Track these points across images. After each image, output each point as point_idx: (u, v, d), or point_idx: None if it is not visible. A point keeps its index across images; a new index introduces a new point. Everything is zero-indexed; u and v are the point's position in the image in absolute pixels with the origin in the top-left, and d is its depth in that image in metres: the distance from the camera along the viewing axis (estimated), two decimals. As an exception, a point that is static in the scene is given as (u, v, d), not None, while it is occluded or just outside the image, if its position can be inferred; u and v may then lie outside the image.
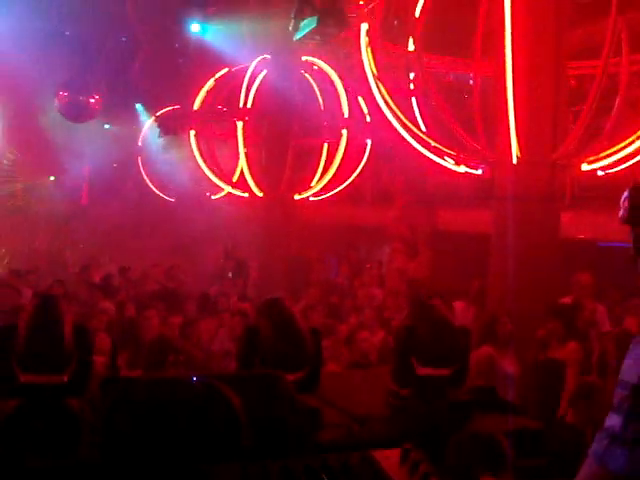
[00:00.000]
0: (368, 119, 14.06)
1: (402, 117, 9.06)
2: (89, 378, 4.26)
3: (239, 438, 3.24)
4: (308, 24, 7.94)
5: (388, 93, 9.15)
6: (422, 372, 4.74)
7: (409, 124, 9.08)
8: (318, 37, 8.30)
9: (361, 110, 14.33)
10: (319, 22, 7.79)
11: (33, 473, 3.73)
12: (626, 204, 1.94)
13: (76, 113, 17.63)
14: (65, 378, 4.35)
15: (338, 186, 15.30)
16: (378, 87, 9.11)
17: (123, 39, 17.26)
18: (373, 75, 9.14)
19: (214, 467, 2.63)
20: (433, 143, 9.08)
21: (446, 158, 9.29)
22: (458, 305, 8.86)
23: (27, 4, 15.33)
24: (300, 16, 8.11)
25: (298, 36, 8.31)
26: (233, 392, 3.48)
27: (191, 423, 3.19)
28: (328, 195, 15.42)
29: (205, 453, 3.06)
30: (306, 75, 14.90)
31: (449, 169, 9.43)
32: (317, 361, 4.58)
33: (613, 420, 1.64)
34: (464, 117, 10.01)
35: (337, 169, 15.10)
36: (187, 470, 2.84)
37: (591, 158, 8.61)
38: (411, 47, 9.28)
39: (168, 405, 3.36)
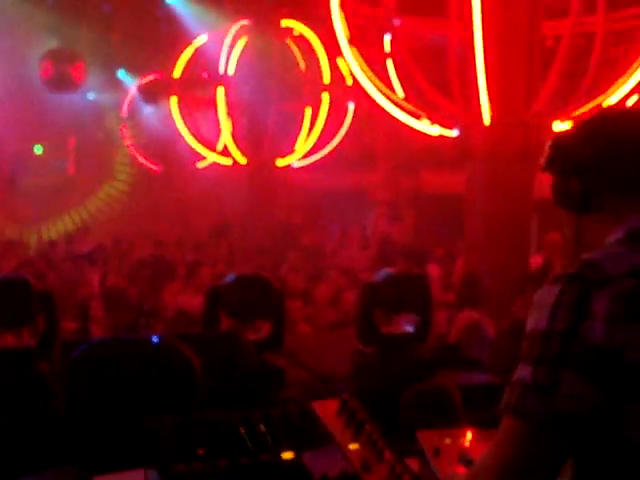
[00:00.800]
0: (349, 82, 14.06)
1: (376, 81, 9.08)
2: (56, 342, 4.36)
3: (196, 396, 3.35)
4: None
5: (362, 56, 9.16)
6: (385, 330, 4.83)
7: (383, 87, 9.11)
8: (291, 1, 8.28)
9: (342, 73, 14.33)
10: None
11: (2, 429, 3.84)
12: (547, 151, 1.93)
13: (59, 84, 17.57)
14: (33, 342, 4.45)
15: (321, 150, 15.35)
16: (351, 51, 9.13)
17: (104, 8, 17.15)
18: (346, 38, 9.15)
19: (161, 418, 2.72)
20: (407, 105, 9.12)
21: (422, 119, 9.33)
22: (432, 268, 8.98)
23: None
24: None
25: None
26: (193, 351, 3.58)
27: (148, 381, 3.30)
28: (311, 160, 15.47)
29: (161, 410, 3.15)
30: (287, 40, 14.88)
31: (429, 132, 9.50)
32: (280, 316, 4.66)
33: (523, 370, 1.65)
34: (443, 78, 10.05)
35: (320, 133, 15.14)
36: (138, 426, 2.93)
37: (564, 117, 8.66)
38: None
39: (127, 364, 3.46)
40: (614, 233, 1.77)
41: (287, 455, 2.49)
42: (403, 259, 8.71)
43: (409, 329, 4.91)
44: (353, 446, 2.49)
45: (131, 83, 18.21)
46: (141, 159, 18.96)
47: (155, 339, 3.76)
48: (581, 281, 1.63)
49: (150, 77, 17.07)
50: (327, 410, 2.71)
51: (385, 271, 4.91)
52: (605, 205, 1.81)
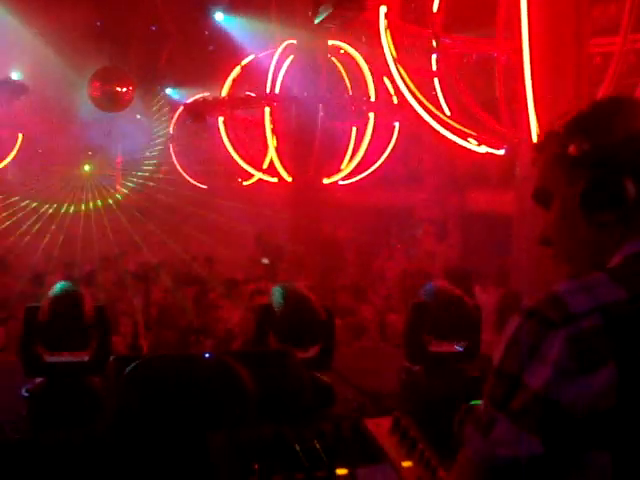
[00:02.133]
0: (395, 101, 14.09)
1: (423, 99, 9.10)
2: (108, 357, 4.42)
3: (248, 412, 3.37)
4: (326, 9, 8.02)
5: (409, 75, 9.19)
6: (434, 348, 4.82)
7: (430, 106, 9.12)
8: (337, 21, 8.36)
9: (388, 92, 14.36)
10: (337, 6, 7.86)
11: (55, 447, 3.91)
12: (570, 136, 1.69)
13: (109, 103, 17.90)
14: (86, 357, 4.52)
15: (367, 169, 15.37)
16: (398, 70, 9.16)
17: (152, 28, 17.45)
18: (393, 58, 9.19)
19: (215, 434, 2.75)
20: (454, 124, 9.11)
21: (469, 139, 9.32)
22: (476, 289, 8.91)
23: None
24: (318, 0, 8.19)
25: (317, 20, 8.39)
26: (244, 368, 3.61)
27: (201, 398, 3.33)
28: (357, 179, 15.50)
29: (213, 426, 3.18)
30: (333, 59, 14.97)
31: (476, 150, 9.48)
32: (329, 338, 4.68)
33: (481, 404, 1.58)
34: (491, 97, 10.03)
35: (366, 152, 15.17)
36: (192, 442, 2.96)
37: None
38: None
39: (179, 381, 3.50)
40: (617, 255, 1.60)
41: (341, 471, 2.49)
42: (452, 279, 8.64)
43: (458, 348, 4.89)
44: (406, 463, 2.50)
45: (179, 101, 18.48)
46: (187, 177, 19.18)
47: (207, 356, 3.80)
48: (539, 319, 1.49)
49: (198, 96, 17.30)
50: (380, 427, 2.72)
51: (435, 291, 4.90)
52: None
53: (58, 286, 4.69)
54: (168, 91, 18.75)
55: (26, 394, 4.43)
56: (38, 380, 4.54)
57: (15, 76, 15.83)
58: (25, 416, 4.25)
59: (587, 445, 1.46)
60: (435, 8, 9.24)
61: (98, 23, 17.62)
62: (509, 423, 1.47)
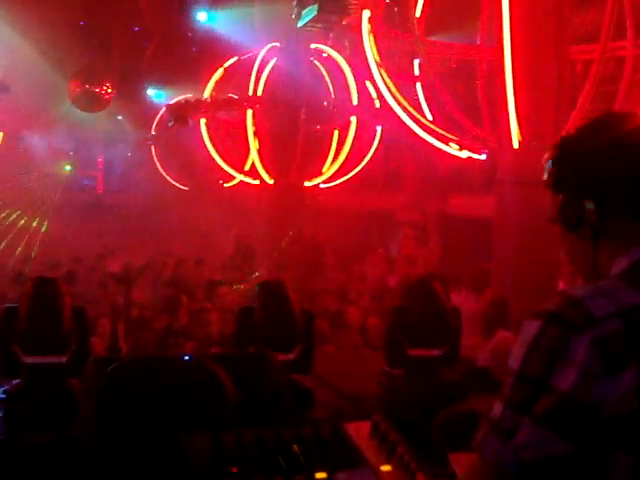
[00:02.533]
0: (377, 105, 14.11)
1: (405, 104, 9.13)
2: (86, 359, 4.39)
3: (227, 414, 3.36)
4: (309, 12, 8.02)
5: (392, 80, 9.22)
6: (413, 352, 4.83)
7: (412, 110, 9.15)
8: (320, 25, 8.37)
9: (371, 96, 14.39)
10: (320, 10, 7.86)
11: (32, 449, 3.88)
12: (549, 166, 1.78)
13: (88, 103, 17.82)
14: (65, 359, 4.50)
15: (348, 172, 15.39)
16: (381, 74, 9.19)
17: (135, 29, 17.40)
18: (376, 62, 9.21)
19: (194, 436, 2.74)
20: (436, 129, 9.14)
21: (450, 144, 9.35)
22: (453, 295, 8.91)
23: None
24: (302, 4, 8.18)
25: (300, 24, 8.39)
26: (224, 371, 3.60)
27: (180, 401, 3.32)
28: (338, 182, 15.52)
29: (192, 428, 3.16)
30: (315, 62, 14.98)
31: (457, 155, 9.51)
32: (309, 341, 4.68)
33: (495, 408, 1.60)
34: (472, 102, 10.07)
35: (347, 155, 15.19)
36: (171, 444, 2.95)
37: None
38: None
39: (158, 383, 3.48)
40: (619, 263, 1.66)
41: (320, 475, 2.49)
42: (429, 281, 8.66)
43: (437, 352, 4.91)
44: (385, 468, 2.50)
45: (161, 103, 18.42)
46: (169, 178, 19.12)
47: (186, 358, 3.79)
48: (561, 323, 1.53)
49: (180, 97, 17.25)
50: (360, 431, 2.72)
51: (413, 295, 4.92)
52: (616, 231, 1.70)
53: (36, 284, 4.65)
54: (150, 92, 18.68)
55: (3, 395, 4.40)
56: (16, 381, 4.52)
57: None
58: (2, 417, 4.22)
59: (613, 447, 1.50)
60: (418, 13, 9.27)
61: (81, 23, 17.55)
62: (535, 426, 1.51)
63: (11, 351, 4.43)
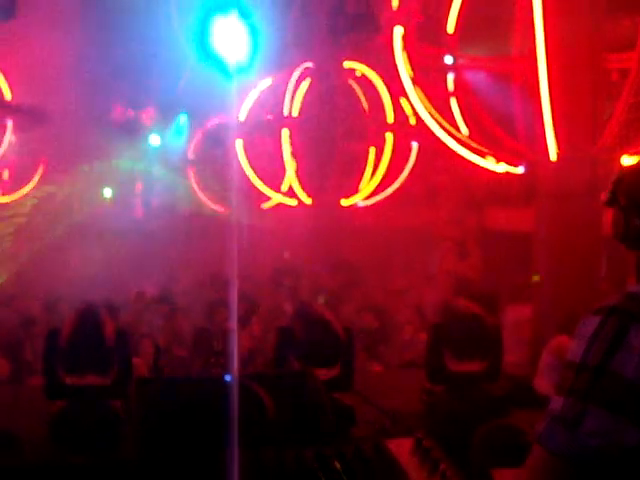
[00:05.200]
0: (412, 121, 14.12)
1: (440, 119, 9.11)
2: (130, 380, 4.44)
3: (268, 433, 3.37)
4: (342, 31, 8.04)
5: (426, 95, 9.21)
6: (454, 368, 4.81)
7: (447, 125, 9.13)
8: (353, 43, 8.39)
9: (406, 113, 14.40)
10: (353, 28, 7.88)
11: (76, 470, 3.92)
12: (610, 186, 1.91)
13: (129, 128, 18.10)
14: (108, 380, 4.55)
15: (385, 190, 15.40)
16: (415, 90, 9.19)
17: (172, 55, 17.59)
18: (410, 79, 9.22)
19: (236, 455, 2.75)
20: (472, 144, 9.11)
21: (487, 158, 9.31)
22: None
23: (82, 26, 15.81)
24: (334, 23, 8.22)
25: (334, 43, 8.43)
26: (264, 390, 3.61)
27: (222, 421, 3.33)
28: (375, 199, 15.52)
29: (233, 449, 3.17)
30: (350, 81, 15.05)
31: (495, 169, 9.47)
32: (349, 359, 4.68)
33: (555, 401, 1.64)
34: (507, 116, 10.02)
35: (384, 173, 15.20)
36: (214, 463, 2.96)
37: (633, 151, 8.54)
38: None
39: (200, 404, 3.50)
40: None
41: (362, 493, 2.49)
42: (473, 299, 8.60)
43: (478, 368, 4.87)
44: (428, 484, 2.48)
45: (196, 126, 18.61)
46: (207, 201, 19.27)
47: (227, 378, 3.81)
48: (620, 314, 1.61)
49: (216, 120, 17.42)
50: (401, 448, 2.72)
51: (455, 311, 4.90)
52: None
53: (79, 307, 4.72)
54: (185, 116, 18.87)
55: (48, 417, 4.46)
56: (60, 403, 4.58)
57: (34, 103, 15.98)
58: (47, 439, 4.28)
59: None
60: (450, 28, 9.27)
61: (120, 51, 17.81)
62: (601, 413, 1.56)
63: (55, 373, 4.50)
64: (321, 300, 11.75)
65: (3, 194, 16.72)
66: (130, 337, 4.72)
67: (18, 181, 16.92)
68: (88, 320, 4.59)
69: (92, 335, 4.48)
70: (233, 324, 7.68)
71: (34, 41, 14.56)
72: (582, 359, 1.61)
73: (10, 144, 15.32)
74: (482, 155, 9.37)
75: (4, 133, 15.10)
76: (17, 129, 15.54)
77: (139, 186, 21.26)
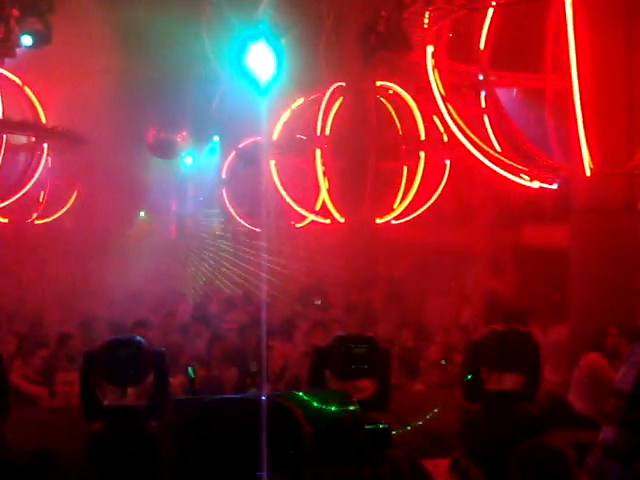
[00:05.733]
0: (445, 139, 14.09)
1: (473, 136, 9.09)
2: (166, 401, 4.46)
3: (304, 453, 3.36)
4: (373, 50, 8.06)
5: (458, 113, 9.19)
6: (491, 387, 4.77)
7: (480, 143, 9.10)
8: (385, 62, 8.40)
9: (438, 130, 14.38)
10: (384, 47, 7.90)
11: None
12: None
13: (165, 150, 18.29)
14: (144, 402, 4.57)
15: (419, 208, 15.35)
16: (447, 108, 9.18)
17: (205, 78, 17.76)
18: (442, 96, 9.21)
19: (272, 476, 2.76)
20: (506, 160, 9.06)
21: (521, 175, 9.26)
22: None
23: (116, 51, 16.02)
24: (366, 42, 8.25)
25: (366, 62, 8.46)
26: (300, 410, 3.61)
27: (259, 441, 3.33)
28: (409, 217, 15.48)
29: (270, 467, 3.17)
30: (382, 99, 15.07)
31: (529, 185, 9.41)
32: (385, 379, 4.67)
33: (606, 432, 1.59)
34: (540, 132, 9.96)
35: (417, 190, 15.17)
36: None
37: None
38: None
39: (235, 422, 3.51)
40: None
41: (399, 513, 2.47)
42: (508, 316, 8.52)
43: (516, 386, 4.83)
44: (466, 504, 2.46)
45: (230, 147, 18.73)
46: (241, 220, 19.38)
47: (263, 397, 3.81)
48: None
49: (249, 140, 17.54)
50: (438, 468, 2.70)
51: (491, 328, 4.86)
52: None
53: (115, 329, 4.77)
54: (217, 137, 19.02)
55: (86, 438, 4.50)
56: (98, 424, 4.61)
57: (70, 127, 16.19)
58: (85, 459, 4.31)
59: None
60: (482, 45, 9.25)
61: (154, 75, 18.01)
62: None
63: (92, 395, 4.54)
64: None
65: (40, 216, 16.91)
66: (166, 357, 4.74)
67: (54, 203, 17.11)
68: (125, 341, 4.63)
69: (129, 356, 4.51)
70: (263, 345, 7.72)
71: (69, 66, 14.77)
72: (633, 390, 1.55)
73: (46, 166, 15.51)
74: (516, 172, 9.32)
75: (41, 156, 15.29)
76: (53, 152, 15.74)
77: (174, 206, 21.45)
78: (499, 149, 9.53)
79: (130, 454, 4.29)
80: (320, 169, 15.11)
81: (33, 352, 8.56)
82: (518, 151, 9.35)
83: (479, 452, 3.03)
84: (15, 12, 9.96)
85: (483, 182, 14.39)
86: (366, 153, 14.99)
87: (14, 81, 14.37)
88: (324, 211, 15.65)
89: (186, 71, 17.45)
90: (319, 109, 15.24)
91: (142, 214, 21.42)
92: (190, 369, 5.79)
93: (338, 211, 15.26)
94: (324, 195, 15.27)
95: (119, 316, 10.47)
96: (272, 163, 16.40)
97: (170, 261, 20.21)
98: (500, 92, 9.63)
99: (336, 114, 15.14)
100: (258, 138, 17.21)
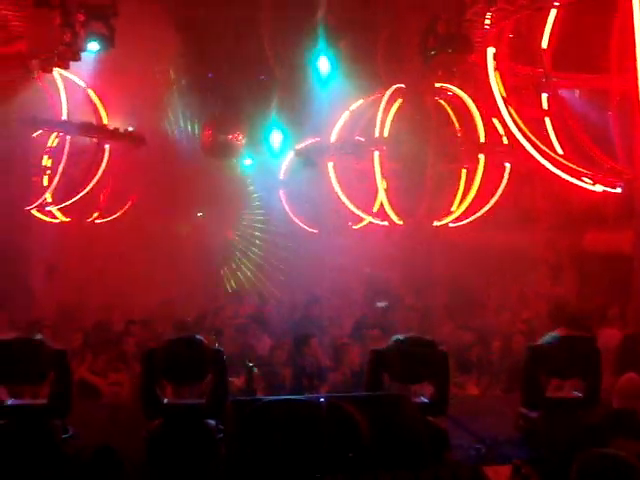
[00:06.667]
0: (505, 141, 13.92)
1: (534, 139, 8.95)
2: (225, 400, 4.49)
3: (363, 456, 3.35)
4: (433, 51, 8.00)
5: (519, 115, 9.06)
6: (551, 394, 4.69)
7: (542, 146, 8.95)
8: (445, 63, 8.34)
9: (498, 133, 14.21)
10: (444, 48, 7.84)
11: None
12: None
13: (221, 151, 18.40)
14: (203, 400, 4.61)
15: (478, 211, 15.19)
16: (508, 110, 9.06)
17: (262, 78, 17.85)
18: (502, 98, 9.09)
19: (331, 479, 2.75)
20: (568, 164, 8.91)
21: (583, 178, 9.09)
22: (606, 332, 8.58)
23: (176, 54, 16.22)
24: (426, 44, 8.20)
25: (425, 64, 8.40)
26: (359, 412, 3.59)
27: (317, 443, 3.33)
28: (468, 220, 15.34)
29: (328, 469, 3.16)
30: (440, 101, 14.96)
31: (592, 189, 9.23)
32: (444, 383, 4.63)
33: None
34: (604, 134, 9.77)
35: (476, 193, 15.01)
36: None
37: None
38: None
39: (294, 424, 3.51)
40: None
41: (460, 519, 2.44)
42: (573, 322, 8.36)
43: (577, 394, 4.75)
44: (527, 513, 2.42)
45: (288, 148, 18.78)
46: (299, 222, 19.41)
47: (322, 400, 3.81)
48: None
49: (307, 142, 17.57)
50: (499, 475, 2.66)
51: (552, 333, 4.79)
52: None
53: (176, 328, 4.82)
54: (280, 137, 19.05)
55: (146, 435, 4.55)
56: (157, 422, 4.66)
57: (131, 128, 16.40)
58: (144, 456, 4.36)
59: None
60: (544, 44, 9.08)
61: (210, 75, 18.17)
62: None
63: (152, 393, 4.59)
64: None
65: (100, 216, 17.19)
66: (224, 357, 4.78)
67: (114, 203, 17.37)
68: (185, 340, 4.67)
69: (189, 355, 4.56)
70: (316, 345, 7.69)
71: (131, 69, 14.99)
72: None
73: (107, 167, 15.75)
74: (578, 175, 9.15)
75: (103, 156, 15.54)
76: (114, 153, 15.98)
77: (232, 207, 21.57)
78: (561, 152, 9.38)
79: (189, 452, 4.33)
80: (378, 171, 15.06)
81: (102, 347, 8.83)
82: (580, 154, 9.17)
83: (540, 460, 2.97)
84: (81, 17, 10.12)
85: (544, 185, 14.18)
86: (424, 155, 14.90)
87: (78, 84, 14.62)
88: (382, 213, 15.59)
89: (245, 71, 17.56)
90: (378, 111, 15.19)
91: (200, 214, 21.59)
92: (250, 369, 5.82)
93: (396, 213, 15.20)
94: (382, 197, 15.22)
95: (178, 316, 10.59)
96: (330, 165, 16.41)
97: (222, 262, 20.38)
98: (564, 93, 9.46)
99: (395, 116, 15.07)
100: (317, 139, 17.24)
